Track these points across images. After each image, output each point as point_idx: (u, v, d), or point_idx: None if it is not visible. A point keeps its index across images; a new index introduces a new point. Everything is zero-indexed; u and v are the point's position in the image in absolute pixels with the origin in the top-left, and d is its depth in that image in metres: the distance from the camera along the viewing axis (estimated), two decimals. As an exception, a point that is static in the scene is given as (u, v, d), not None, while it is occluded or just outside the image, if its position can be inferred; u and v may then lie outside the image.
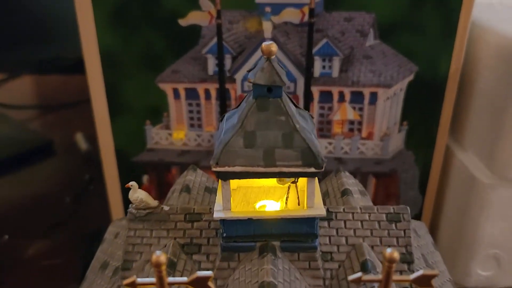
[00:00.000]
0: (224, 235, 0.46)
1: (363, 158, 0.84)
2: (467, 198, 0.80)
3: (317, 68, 0.78)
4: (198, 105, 0.81)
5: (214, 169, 0.43)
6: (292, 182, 0.47)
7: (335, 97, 0.80)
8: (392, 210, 0.49)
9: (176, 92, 0.79)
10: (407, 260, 0.47)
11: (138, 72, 0.77)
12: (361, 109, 0.81)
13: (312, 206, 0.45)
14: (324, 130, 0.82)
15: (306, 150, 0.42)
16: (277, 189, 0.51)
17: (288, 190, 0.48)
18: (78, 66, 0.82)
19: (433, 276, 0.34)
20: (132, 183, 0.48)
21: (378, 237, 0.48)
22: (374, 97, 0.80)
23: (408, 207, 0.49)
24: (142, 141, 0.82)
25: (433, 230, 0.90)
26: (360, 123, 0.82)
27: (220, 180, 0.44)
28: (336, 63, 0.78)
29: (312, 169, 0.42)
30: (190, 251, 0.48)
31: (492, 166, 0.77)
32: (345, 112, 0.82)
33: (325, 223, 0.49)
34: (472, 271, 0.81)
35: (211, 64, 0.77)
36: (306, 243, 0.46)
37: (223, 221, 0.45)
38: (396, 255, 0.34)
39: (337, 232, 0.48)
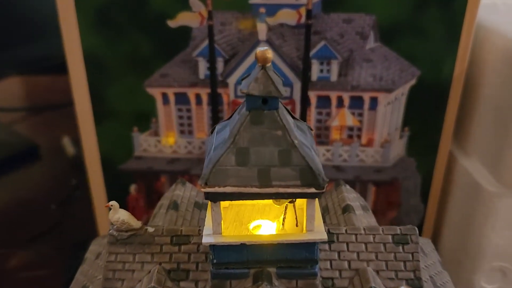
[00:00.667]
0: (215, 261, 0.41)
1: (362, 166, 0.80)
2: (471, 207, 0.77)
3: (315, 72, 0.74)
4: (188, 110, 0.76)
5: (203, 190, 0.38)
6: (290, 202, 0.43)
7: (334, 102, 0.76)
8: (398, 231, 0.45)
9: (165, 97, 0.75)
10: (416, 286, 0.43)
11: (125, 76, 0.73)
12: (360, 114, 0.77)
13: (312, 229, 0.41)
14: (322, 136, 0.78)
15: (305, 169, 0.38)
16: (273, 208, 0.47)
17: (285, 210, 0.44)
18: (65, 66, 0.78)
19: None
20: (113, 203, 0.43)
21: (384, 260, 0.44)
22: (374, 102, 0.76)
23: (416, 228, 0.45)
24: (129, 148, 0.78)
25: (436, 240, 0.87)
26: (359, 129, 0.78)
27: (211, 204, 0.40)
28: (335, 66, 0.73)
29: (312, 190, 0.38)
30: (177, 278, 0.44)
31: (497, 174, 0.73)
32: (344, 117, 0.77)
33: (326, 246, 0.44)
34: (477, 285, 0.77)
35: (202, 68, 0.73)
36: (305, 269, 0.42)
37: (213, 246, 0.41)
38: None
39: (339, 256, 0.44)
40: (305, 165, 0.38)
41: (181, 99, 0.75)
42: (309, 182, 0.38)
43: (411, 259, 0.44)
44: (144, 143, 0.78)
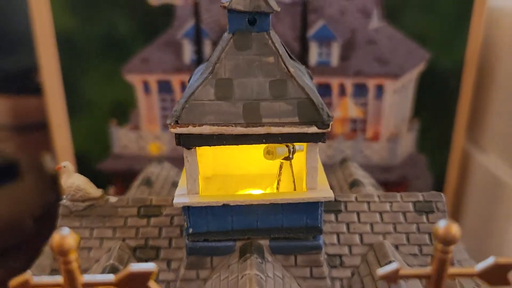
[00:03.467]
0: (191, 231, 0.32)
1: (368, 164, 0.71)
2: (492, 207, 0.68)
3: (313, 55, 0.66)
4: (173, 100, 0.68)
5: (173, 130, 0.30)
6: (285, 158, 0.34)
7: (335, 90, 0.68)
8: (421, 198, 0.36)
9: (146, 85, 0.67)
10: None
11: (101, 61, 0.65)
12: (364, 104, 0.69)
13: (314, 187, 0.32)
14: (322, 130, 0.70)
15: (304, 102, 0.29)
16: (265, 178, 0.38)
17: (280, 170, 0.35)
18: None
19: (510, 267, 0.21)
20: (66, 164, 0.35)
21: (405, 233, 0.35)
22: (379, 90, 0.68)
23: (442, 194, 0.37)
24: (107, 145, 0.69)
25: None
26: (364, 121, 0.70)
27: (184, 153, 0.31)
28: (335, 49, 0.66)
29: (314, 129, 0.30)
30: (144, 256, 0.34)
31: None
32: (346, 108, 0.70)
33: (332, 216, 0.35)
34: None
35: (188, 51, 0.65)
36: (306, 241, 0.33)
37: (188, 210, 0.32)
38: (456, 230, 0.21)
39: (348, 228, 0.35)
40: (304, 97, 0.30)
41: (164, 87, 0.67)
42: (310, 119, 0.29)
43: (438, 231, 0.35)
44: (123, 139, 0.69)
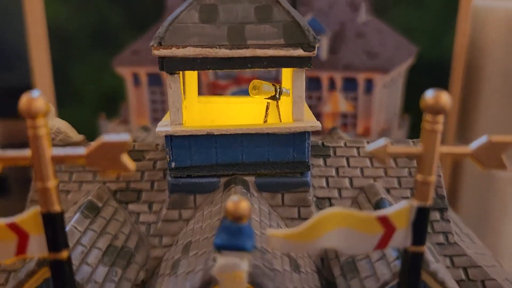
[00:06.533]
0: (173, 165, 0.31)
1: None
2: (485, 198, 0.67)
3: (302, 48, 0.66)
4: (162, 93, 0.68)
5: (156, 53, 0.29)
6: (272, 98, 0.33)
7: (325, 84, 0.68)
8: (411, 143, 0.35)
9: (136, 78, 0.67)
10: (439, 206, 0.33)
11: (91, 52, 0.65)
12: (355, 99, 0.69)
13: (301, 118, 0.31)
14: (313, 125, 0.69)
15: (289, 24, 0.29)
16: (251, 111, 0.37)
17: (267, 109, 0.34)
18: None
19: (506, 145, 0.20)
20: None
21: (396, 177, 0.34)
22: (369, 84, 0.68)
23: None
24: (95, 138, 0.68)
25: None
26: (354, 116, 0.69)
27: (167, 80, 0.30)
28: (324, 42, 0.66)
29: (300, 52, 0.29)
30: (125, 199, 0.33)
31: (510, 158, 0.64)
32: (336, 102, 0.69)
33: (320, 161, 0.34)
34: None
35: (178, 43, 0.66)
36: (294, 177, 0.31)
37: (170, 141, 0.31)
38: (446, 99, 0.20)
39: (337, 172, 0.34)
40: (289, 20, 0.29)
41: (155, 80, 0.67)
42: (296, 41, 0.29)
43: (430, 174, 0.34)
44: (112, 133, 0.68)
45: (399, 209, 0.21)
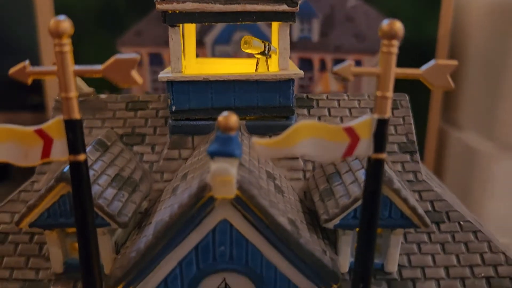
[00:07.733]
0: (174, 108, 0.35)
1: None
2: (468, 173, 0.70)
3: (295, 31, 0.71)
4: (163, 73, 0.72)
5: (159, 6, 0.34)
6: (262, 54, 0.38)
7: (316, 65, 0.72)
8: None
9: (138, 58, 0.71)
10: (409, 149, 0.37)
11: (96, 33, 0.69)
12: (344, 79, 0.73)
13: (286, 67, 0.35)
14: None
15: None
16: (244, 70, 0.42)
17: (257, 64, 0.38)
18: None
19: (450, 67, 0.24)
20: None
21: None
22: (358, 65, 0.71)
23: (406, 95, 0.40)
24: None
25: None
26: (344, 97, 0.73)
27: (169, 32, 0.35)
28: (316, 25, 0.71)
29: (284, 7, 0.33)
30: (130, 142, 0.37)
31: (492, 133, 0.68)
32: (327, 82, 0.73)
33: (304, 111, 0.38)
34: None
35: (179, 25, 0.70)
36: (280, 121, 0.36)
37: (171, 86, 0.35)
38: (399, 26, 0.24)
39: (319, 120, 0.38)
40: None
41: (156, 60, 0.71)
42: None
43: (402, 122, 0.38)
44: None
45: (362, 121, 0.25)
